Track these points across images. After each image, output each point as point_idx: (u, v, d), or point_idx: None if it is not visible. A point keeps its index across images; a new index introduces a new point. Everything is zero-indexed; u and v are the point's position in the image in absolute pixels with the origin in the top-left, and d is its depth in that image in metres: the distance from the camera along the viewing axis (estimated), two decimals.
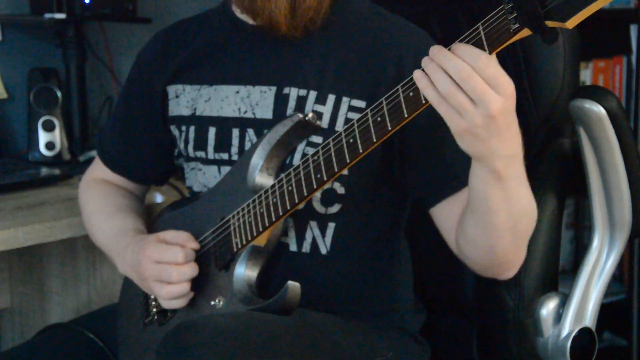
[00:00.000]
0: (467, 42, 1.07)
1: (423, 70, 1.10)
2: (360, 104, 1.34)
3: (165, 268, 1.33)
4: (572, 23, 1.00)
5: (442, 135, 1.27)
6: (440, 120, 1.13)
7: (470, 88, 1.06)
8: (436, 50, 1.09)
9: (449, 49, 1.08)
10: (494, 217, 1.22)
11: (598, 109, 1.42)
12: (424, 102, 1.12)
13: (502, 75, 1.07)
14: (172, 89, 1.48)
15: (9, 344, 1.98)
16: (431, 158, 1.33)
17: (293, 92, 1.37)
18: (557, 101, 1.49)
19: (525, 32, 1.04)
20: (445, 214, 1.34)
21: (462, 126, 1.09)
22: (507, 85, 1.07)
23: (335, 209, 1.37)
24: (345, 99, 1.35)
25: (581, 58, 1.54)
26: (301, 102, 1.36)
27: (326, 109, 1.35)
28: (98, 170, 1.62)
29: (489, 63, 1.06)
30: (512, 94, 1.08)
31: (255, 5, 1.34)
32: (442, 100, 1.09)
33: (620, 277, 2.59)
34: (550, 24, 1.02)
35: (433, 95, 1.09)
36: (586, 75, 2.50)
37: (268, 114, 1.38)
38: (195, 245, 1.36)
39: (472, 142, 1.11)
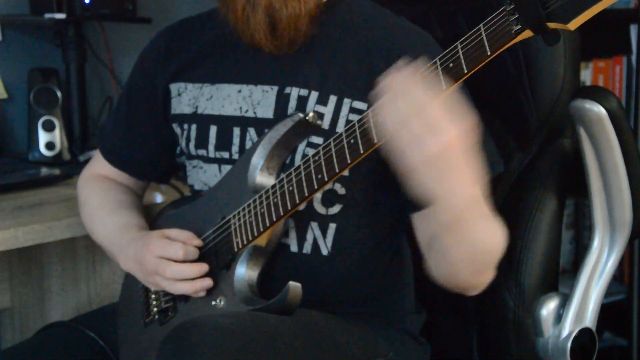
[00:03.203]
0: (469, 43, 1.06)
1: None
2: (362, 106, 1.34)
3: (165, 263, 1.33)
4: (574, 25, 1.00)
5: None
6: None
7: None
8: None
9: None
10: (449, 253, 1.25)
11: (598, 109, 1.42)
12: None
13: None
14: (174, 87, 1.48)
15: (9, 344, 1.97)
16: None
17: (294, 92, 1.37)
18: (557, 101, 1.49)
19: (527, 34, 1.04)
20: (418, 226, 1.36)
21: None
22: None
23: (336, 209, 1.37)
24: (347, 100, 1.35)
25: (581, 58, 1.53)
26: (302, 102, 1.36)
27: (327, 110, 1.35)
28: (98, 167, 1.62)
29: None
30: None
31: (237, 28, 1.36)
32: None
33: (620, 277, 2.58)
34: (552, 25, 1.01)
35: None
36: (586, 75, 2.49)
37: (269, 114, 1.38)
38: (197, 242, 1.36)
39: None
